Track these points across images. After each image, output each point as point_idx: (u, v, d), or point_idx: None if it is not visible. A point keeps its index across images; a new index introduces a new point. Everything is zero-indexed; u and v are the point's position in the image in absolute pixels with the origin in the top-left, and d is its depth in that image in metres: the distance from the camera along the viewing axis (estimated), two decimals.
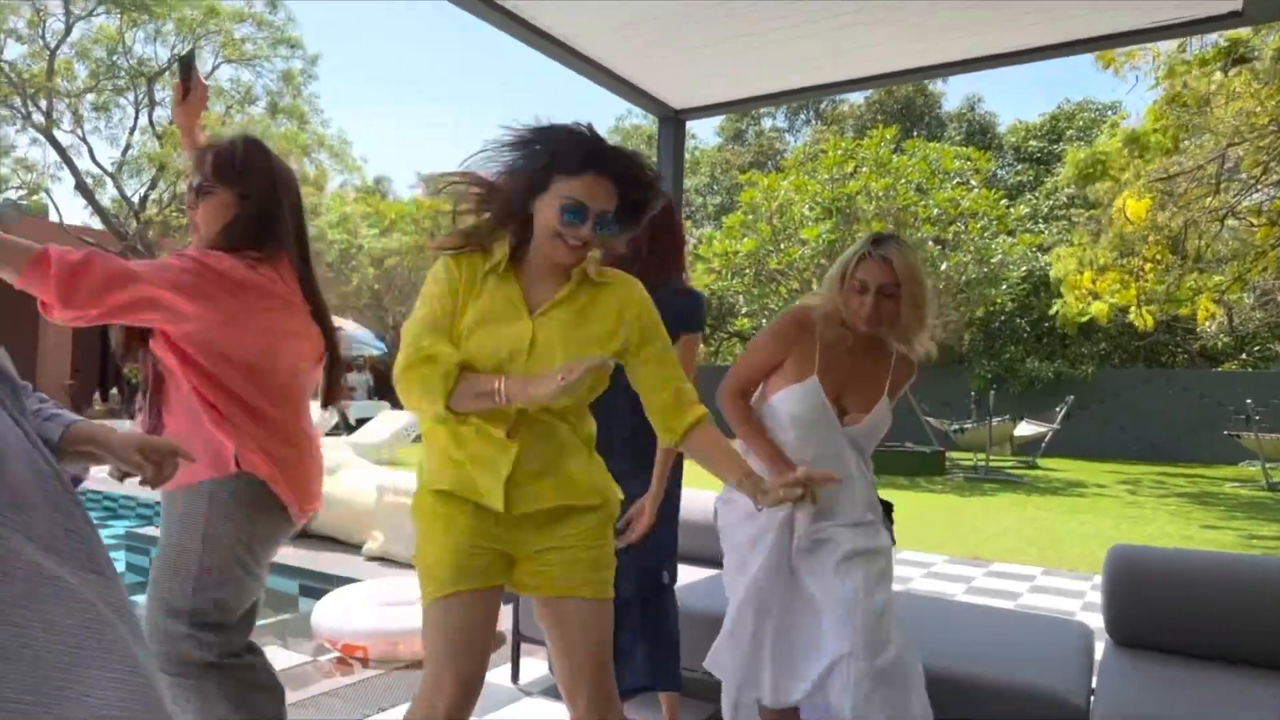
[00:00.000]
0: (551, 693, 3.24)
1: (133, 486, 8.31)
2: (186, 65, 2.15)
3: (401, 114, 76.66)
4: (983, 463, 12.32)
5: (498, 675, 3.41)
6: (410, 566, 2.27)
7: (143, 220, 16.73)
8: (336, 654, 3.48)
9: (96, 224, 17.27)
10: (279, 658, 3.74)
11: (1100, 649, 2.69)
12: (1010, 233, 12.95)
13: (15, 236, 1.61)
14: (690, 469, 2.38)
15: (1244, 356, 18.37)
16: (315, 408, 2.10)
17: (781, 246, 13.00)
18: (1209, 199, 10.59)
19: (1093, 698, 2.30)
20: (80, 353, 18.50)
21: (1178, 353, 19.13)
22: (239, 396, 1.82)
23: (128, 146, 18.58)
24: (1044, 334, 17.16)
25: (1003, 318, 17.37)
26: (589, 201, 1.60)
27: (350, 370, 15.78)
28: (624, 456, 2.25)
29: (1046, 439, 13.53)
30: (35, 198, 18.88)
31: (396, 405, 13.13)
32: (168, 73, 18.40)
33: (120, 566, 5.46)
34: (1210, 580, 2.54)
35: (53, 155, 17.90)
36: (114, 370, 19.63)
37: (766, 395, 2.30)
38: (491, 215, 1.68)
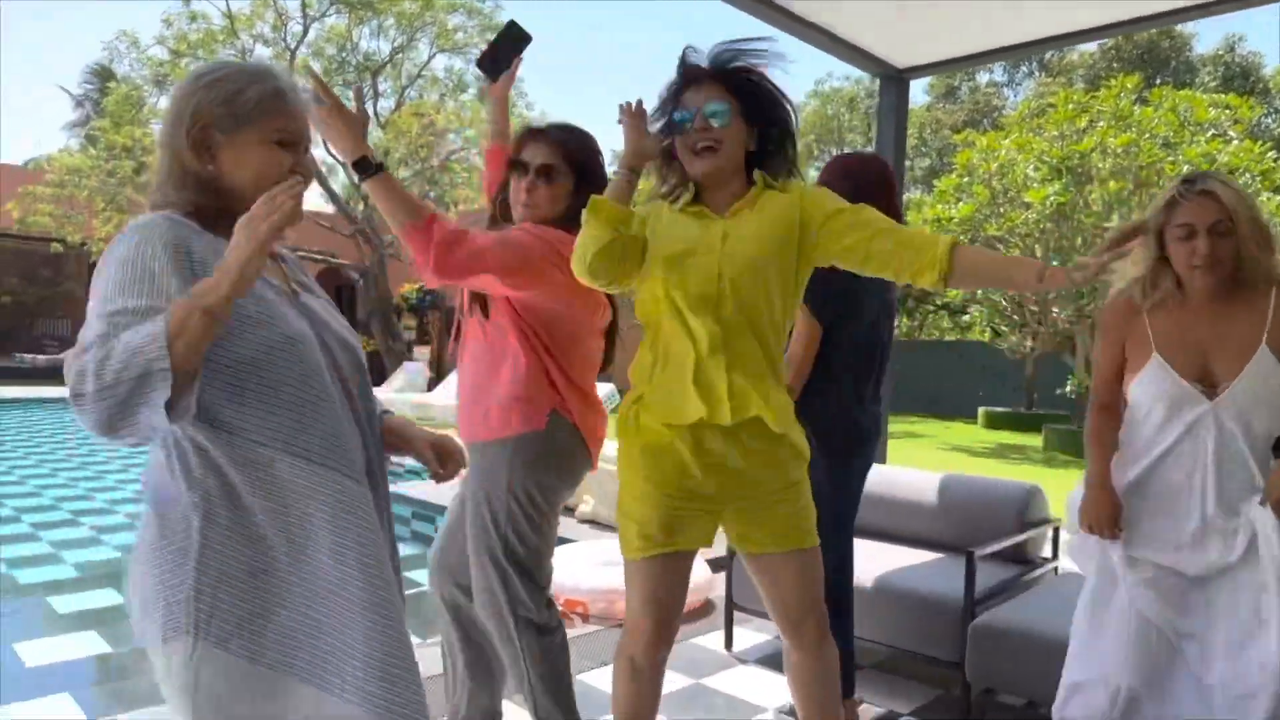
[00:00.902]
0: (766, 662, 3.25)
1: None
2: (517, 39, 2.28)
3: (595, 95, 78.56)
4: None
5: (711, 641, 3.47)
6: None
7: (369, 205, 18.24)
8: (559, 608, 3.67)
9: (329, 208, 19.01)
10: None
11: None
12: (1278, 189, 11.30)
13: (411, 194, 1.88)
14: None
15: None
16: None
17: (1002, 211, 12.10)
18: None
19: None
20: None
21: None
22: (556, 357, 2.05)
23: None
24: None
25: None
26: (686, 104, 1.76)
27: None
28: None
29: None
30: None
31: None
32: (390, 65, 19.91)
33: None
34: None
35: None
36: None
37: (1124, 395, 2.12)
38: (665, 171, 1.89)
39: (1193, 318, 1.98)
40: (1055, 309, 12.70)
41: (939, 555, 3.29)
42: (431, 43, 19.88)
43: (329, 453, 1.20)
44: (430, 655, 3.14)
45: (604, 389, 12.50)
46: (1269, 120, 19.97)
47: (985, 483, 3.45)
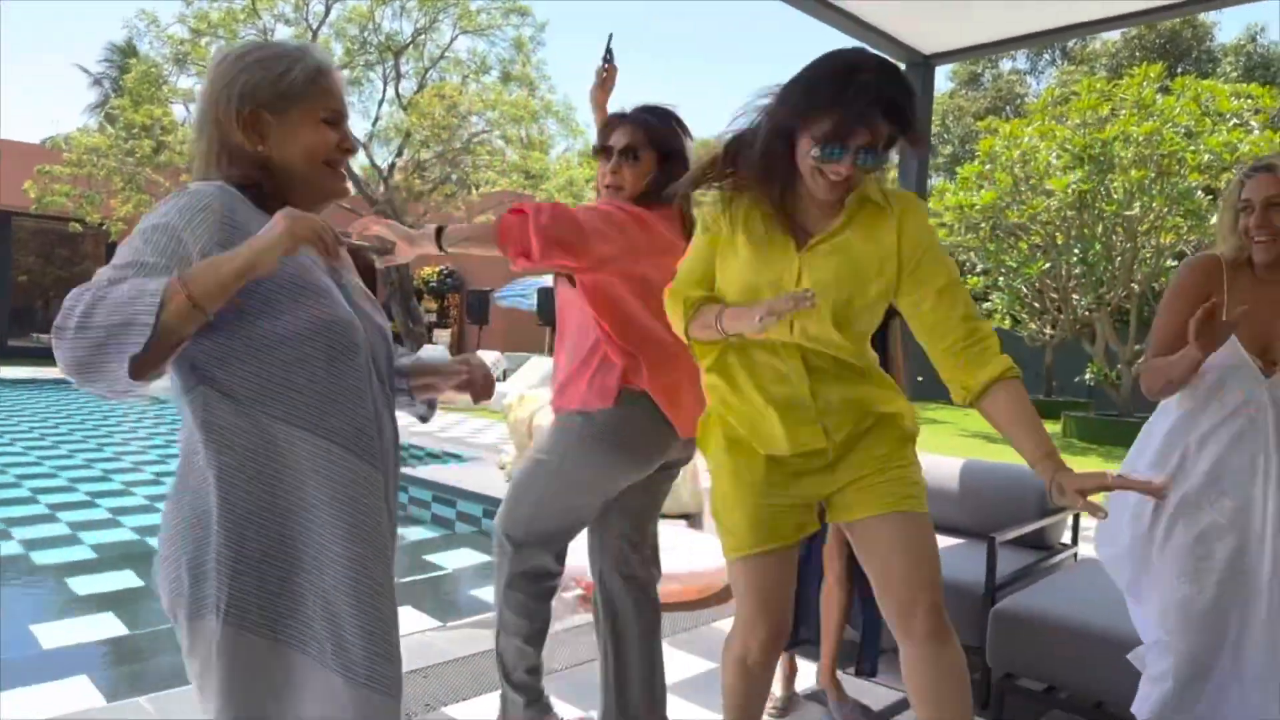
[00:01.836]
0: (789, 646, 3.28)
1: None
2: (609, 50, 2.46)
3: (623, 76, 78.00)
4: None
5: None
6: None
7: (390, 186, 18.32)
8: (580, 591, 3.71)
9: (350, 189, 19.07)
10: None
11: None
12: None
13: (473, 223, 2.01)
14: None
15: None
16: None
17: (1023, 198, 12.04)
18: None
19: None
20: None
21: None
22: (636, 328, 2.06)
23: (376, 118, 20.33)
24: None
25: None
26: (846, 137, 1.49)
27: None
28: None
29: None
30: None
31: None
32: (412, 46, 19.92)
33: None
34: None
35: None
36: None
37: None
38: (747, 164, 1.63)
39: (1260, 295, 2.00)
40: (1076, 296, 12.62)
41: (960, 541, 3.33)
42: (454, 24, 19.86)
43: (356, 437, 1.21)
44: (450, 637, 3.20)
45: None
46: None
47: (1005, 469, 3.48)
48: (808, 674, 2.81)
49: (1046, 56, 25.59)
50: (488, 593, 4.07)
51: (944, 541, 3.30)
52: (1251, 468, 1.96)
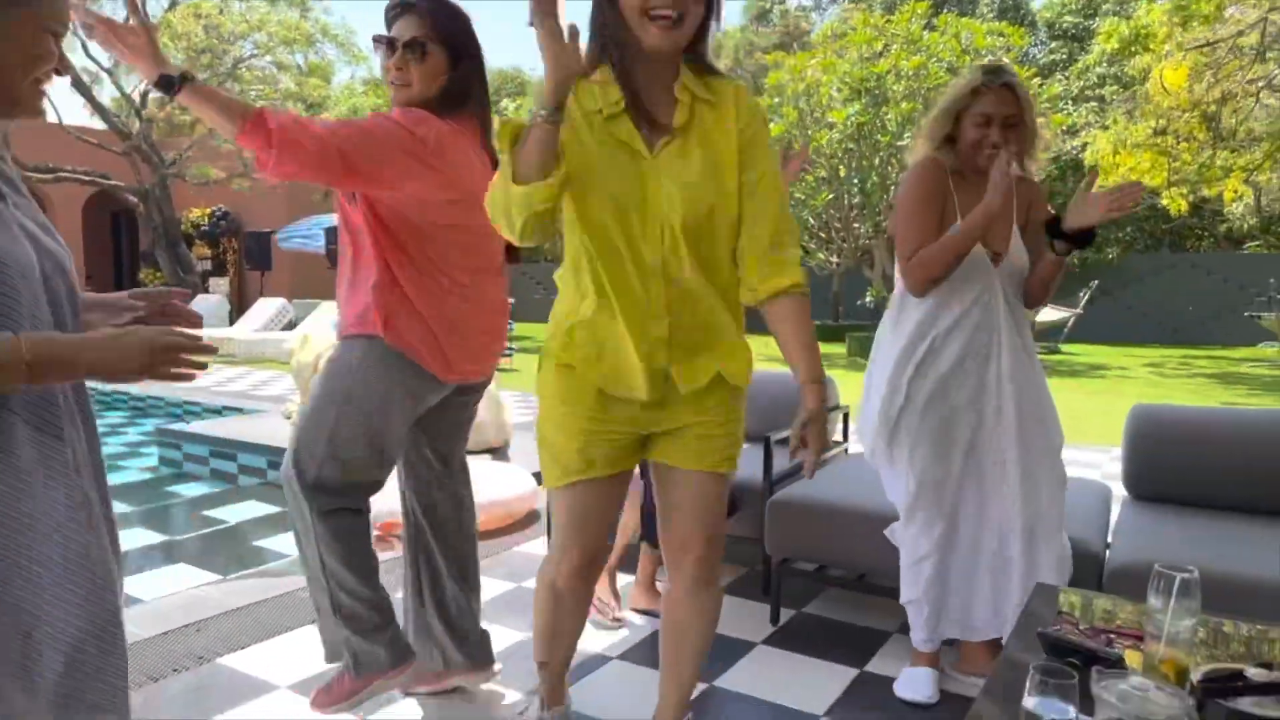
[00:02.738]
0: None
1: (160, 387, 8.49)
2: None
3: None
4: None
5: (536, 548, 3.55)
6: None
7: (145, 119, 16.39)
8: (376, 533, 3.60)
9: (98, 124, 16.90)
10: None
11: (1117, 509, 2.76)
12: (1042, 114, 12.50)
13: (230, 95, 1.75)
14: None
15: (1269, 237, 17.98)
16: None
17: (809, 131, 12.66)
18: (1249, 68, 10.15)
19: (1109, 550, 2.37)
20: (91, 254, 18.58)
21: (1204, 237, 18.73)
22: (414, 258, 1.90)
23: None
24: None
25: None
26: None
27: None
28: None
29: (1069, 324, 13.45)
30: None
31: None
32: None
33: (153, 461, 5.63)
34: (1225, 434, 2.60)
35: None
36: (130, 275, 19.74)
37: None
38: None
39: (973, 195, 2.17)
40: (856, 225, 13.55)
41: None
42: None
43: (25, 403, 1.06)
44: (226, 589, 3.07)
45: None
46: (1035, 49, 21.91)
47: (781, 377, 3.70)
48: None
49: None
50: (272, 542, 3.90)
51: None
52: (987, 351, 2.20)
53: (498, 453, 5.18)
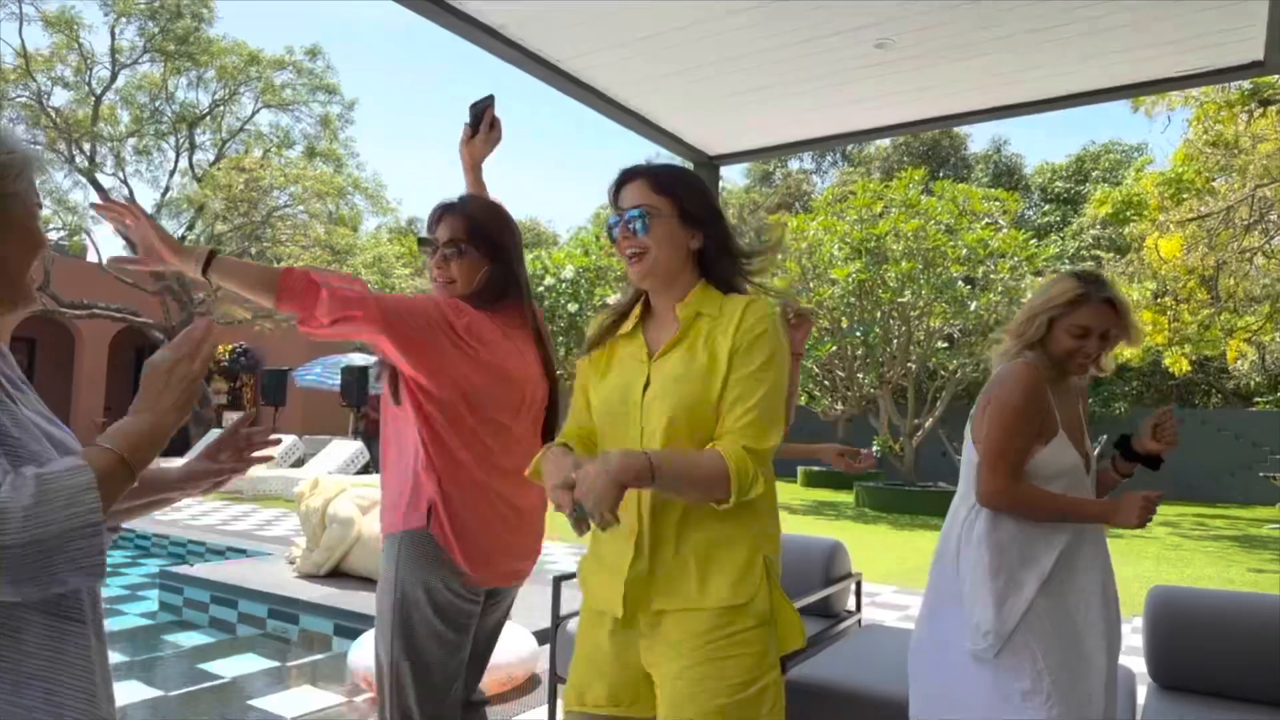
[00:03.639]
0: None
1: (165, 524, 8.41)
2: (481, 108, 2.28)
3: (429, 155, 77.99)
4: None
5: (536, 716, 3.43)
6: None
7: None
8: (371, 695, 3.51)
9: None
10: (313, 699, 3.78)
11: (1143, 692, 2.67)
12: (1039, 273, 12.93)
13: (251, 262, 1.80)
14: None
15: (1278, 395, 18.07)
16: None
17: (811, 286, 13.06)
18: (1241, 239, 10.56)
19: None
20: (114, 389, 18.87)
21: (1211, 392, 18.83)
22: (450, 449, 1.88)
23: (167, 189, 19.11)
24: None
25: None
26: (620, 205, 1.60)
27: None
28: None
29: None
30: (76, 239, 19.41)
31: None
32: (209, 118, 18.99)
33: (153, 605, 5.53)
34: (1253, 621, 2.53)
35: (94, 197, 18.46)
36: None
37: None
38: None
39: (1068, 400, 2.11)
40: (860, 374, 13.73)
41: None
42: (256, 97, 19.18)
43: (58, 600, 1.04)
44: None
45: None
46: (1029, 212, 22.89)
47: (792, 540, 3.68)
48: None
49: (829, 158, 28.29)
50: (271, 702, 3.76)
51: None
52: (1100, 571, 2.05)
53: None
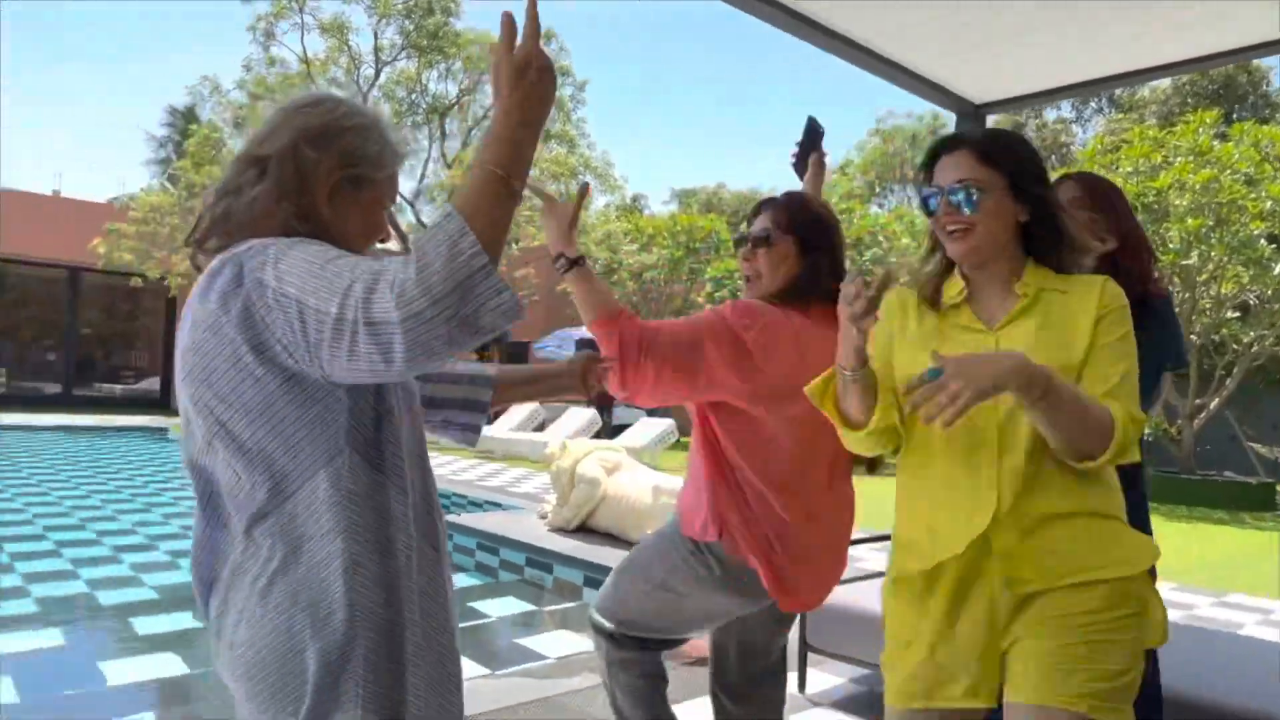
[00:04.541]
0: (841, 705, 3.14)
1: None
2: (814, 134, 2.29)
3: (655, 130, 79.55)
4: None
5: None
6: None
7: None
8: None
9: (395, 247, 19.50)
10: (564, 643, 4.11)
11: None
12: None
13: (607, 291, 1.82)
14: None
15: None
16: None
17: None
18: None
19: None
20: None
21: None
22: (735, 466, 1.83)
23: (423, 177, 20.87)
24: None
25: None
26: (938, 180, 1.52)
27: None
28: None
29: None
30: None
31: (653, 413, 13.51)
32: (457, 107, 20.47)
33: None
34: None
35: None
36: None
37: None
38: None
39: None
40: None
41: None
42: None
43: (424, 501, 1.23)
44: (497, 686, 3.19)
45: (663, 424, 12.38)
46: None
47: None
48: None
49: (1093, 105, 25.41)
50: (532, 641, 4.15)
51: None
52: None
53: None
